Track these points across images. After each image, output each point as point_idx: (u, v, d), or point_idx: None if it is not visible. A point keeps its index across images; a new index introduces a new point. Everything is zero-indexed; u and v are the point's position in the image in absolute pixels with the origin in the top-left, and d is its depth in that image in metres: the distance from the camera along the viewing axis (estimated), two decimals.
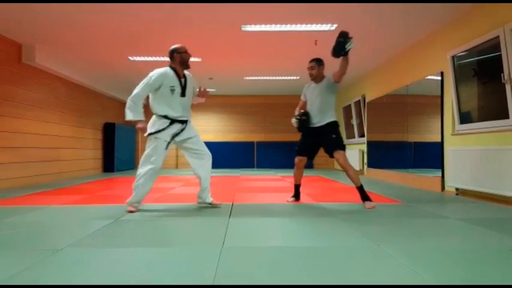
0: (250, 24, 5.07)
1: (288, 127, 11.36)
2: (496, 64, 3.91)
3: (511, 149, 3.65)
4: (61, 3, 4.32)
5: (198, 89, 3.65)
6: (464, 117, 4.60)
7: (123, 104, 11.01)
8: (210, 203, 3.56)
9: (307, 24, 5.06)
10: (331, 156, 3.61)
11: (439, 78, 5.08)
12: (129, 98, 3.27)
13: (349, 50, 3.27)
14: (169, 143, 3.34)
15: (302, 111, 3.80)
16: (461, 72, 4.67)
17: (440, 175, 4.97)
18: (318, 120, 3.64)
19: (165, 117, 3.32)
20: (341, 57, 3.34)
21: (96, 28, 5.23)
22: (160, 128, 3.28)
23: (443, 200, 4.21)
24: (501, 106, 3.86)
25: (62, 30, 5.33)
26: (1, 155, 5.46)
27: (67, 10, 4.55)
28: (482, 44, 4.17)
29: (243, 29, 5.22)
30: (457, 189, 4.59)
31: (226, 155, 11.50)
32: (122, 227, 2.66)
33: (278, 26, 5.11)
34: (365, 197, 3.55)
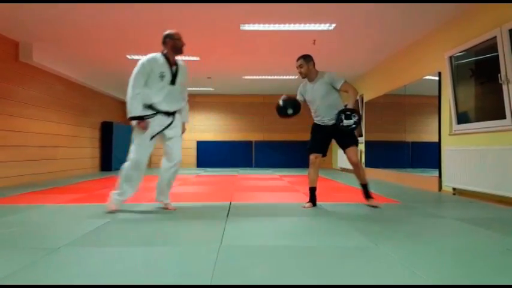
0: (248, 23, 5.07)
1: (286, 126, 11.44)
2: (493, 64, 3.92)
3: (508, 149, 3.66)
4: (60, 3, 4.31)
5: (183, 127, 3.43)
6: (462, 118, 4.61)
7: (121, 103, 11.02)
8: (165, 206, 3.36)
9: (305, 23, 5.06)
10: (345, 151, 3.54)
11: (437, 78, 5.10)
12: (128, 95, 3.05)
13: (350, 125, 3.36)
14: (155, 135, 3.15)
15: (287, 95, 3.62)
16: (458, 72, 4.69)
17: (438, 175, 4.99)
18: (331, 117, 3.47)
19: (150, 107, 3.11)
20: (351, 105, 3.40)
21: (94, 26, 5.22)
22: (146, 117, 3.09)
23: (441, 200, 4.23)
24: (498, 106, 3.88)
25: (59, 29, 5.31)
26: None
27: (65, 8, 4.53)
28: (479, 44, 4.18)
29: (241, 28, 5.21)
30: (454, 189, 4.60)
31: (224, 154, 11.50)
32: (119, 226, 2.66)
33: (277, 25, 5.11)
34: (368, 195, 3.56)
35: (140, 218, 2.96)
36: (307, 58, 3.55)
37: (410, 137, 6.09)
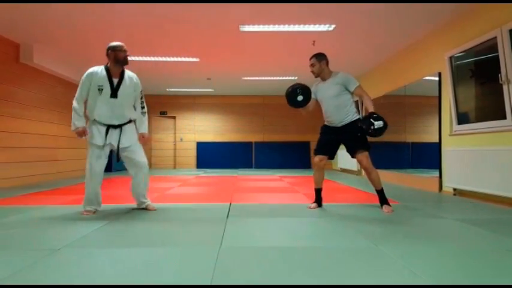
0: (248, 24, 5.08)
1: (286, 127, 11.44)
2: (493, 65, 3.92)
3: (508, 149, 3.66)
4: (59, 3, 4.32)
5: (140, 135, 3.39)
6: (462, 118, 4.61)
7: None
8: (146, 207, 3.41)
9: (305, 24, 5.07)
10: (353, 156, 3.39)
11: (437, 78, 5.10)
12: (73, 108, 3.12)
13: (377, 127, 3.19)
14: (104, 146, 3.16)
15: (300, 84, 3.47)
16: (458, 72, 4.69)
17: (438, 175, 4.98)
18: (340, 119, 3.37)
19: (94, 120, 3.17)
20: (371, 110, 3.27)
21: (94, 28, 5.22)
22: (92, 133, 3.16)
23: (441, 201, 4.22)
24: (498, 107, 3.88)
25: (60, 30, 5.32)
26: None
27: (65, 10, 4.54)
28: (479, 44, 4.19)
29: (241, 29, 5.22)
30: (454, 189, 4.60)
31: (224, 155, 11.50)
32: (119, 227, 2.66)
33: (276, 26, 5.12)
34: (384, 200, 3.39)
35: (140, 220, 2.96)
36: (319, 57, 3.42)
37: (410, 138, 6.09)
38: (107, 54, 3.17)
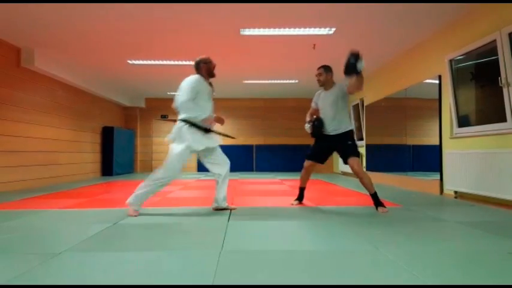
0: (249, 28, 5.09)
1: (287, 130, 11.44)
2: (493, 68, 3.93)
3: (509, 152, 3.66)
4: (60, 6, 4.34)
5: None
6: (462, 121, 4.61)
7: (122, 108, 11.07)
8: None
9: (305, 28, 5.09)
10: (345, 162, 3.62)
11: (437, 81, 5.10)
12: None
13: (361, 70, 3.22)
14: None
15: (315, 117, 3.80)
16: (459, 75, 4.69)
17: (439, 178, 4.98)
18: (334, 128, 3.65)
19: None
20: (354, 76, 3.28)
21: (95, 32, 5.24)
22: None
23: (442, 203, 4.21)
24: (499, 109, 3.88)
25: (61, 34, 5.34)
26: (0, 158, 5.46)
27: (66, 14, 4.56)
28: (479, 47, 4.19)
29: (241, 33, 5.24)
30: (455, 192, 4.60)
31: None
32: (120, 231, 2.66)
33: (277, 29, 5.14)
34: (378, 203, 3.54)
35: (141, 223, 2.95)
36: (327, 69, 3.75)
37: (411, 141, 6.09)
38: (199, 67, 3.59)
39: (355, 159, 3.55)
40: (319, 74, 3.75)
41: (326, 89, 3.77)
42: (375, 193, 3.56)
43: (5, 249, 2.16)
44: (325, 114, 3.70)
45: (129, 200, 3.28)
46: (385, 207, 3.52)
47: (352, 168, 3.55)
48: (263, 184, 6.73)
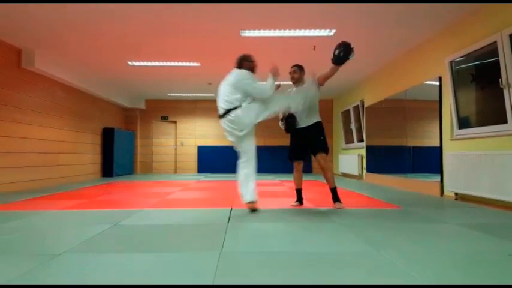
0: (249, 29, 5.10)
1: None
2: (494, 69, 3.93)
3: (509, 153, 3.66)
4: (60, 7, 4.35)
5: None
6: (463, 122, 4.61)
7: (122, 109, 11.06)
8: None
9: (305, 29, 5.09)
10: (314, 156, 3.88)
11: (438, 83, 5.10)
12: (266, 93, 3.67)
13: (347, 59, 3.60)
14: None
15: (287, 112, 3.95)
16: (459, 77, 4.70)
17: (439, 180, 4.97)
18: (305, 121, 3.86)
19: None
20: (336, 66, 3.69)
21: (95, 33, 5.25)
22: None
23: (442, 205, 4.21)
24: (499, 111, 3.88)
25: (61, 35, 5.35)
26: (0, 159, 5.45)
27: (67, 15, 4.57)
28: (480, 49, 4.20)
29: (242, 34, 5.24)
30: (456, 194, 4.59)
31: (225, 160, 11.48)
32: (120, 232, 2.65)
33: (277, 31, 5.14)
34: (336, 198, 3.85)
35: (141, 225, 2.95)
36: (301, 68, 4.01)
37: (411, 142, 6.09)
38: (242, 64, 3.72)
39: (323, 155, 3.83)
40: (294, 72, 3.96)
41: (297, 85, 3.98)
42: (335, 188, 3.87)
43: (5, 250, 2.16)
44: (297, 109, 3.88)
45: (253, 197, 3.53)
46: (341, 202, 3.82)
47: (319, 162, 3.83)
48: (263, 185, 6.72)
